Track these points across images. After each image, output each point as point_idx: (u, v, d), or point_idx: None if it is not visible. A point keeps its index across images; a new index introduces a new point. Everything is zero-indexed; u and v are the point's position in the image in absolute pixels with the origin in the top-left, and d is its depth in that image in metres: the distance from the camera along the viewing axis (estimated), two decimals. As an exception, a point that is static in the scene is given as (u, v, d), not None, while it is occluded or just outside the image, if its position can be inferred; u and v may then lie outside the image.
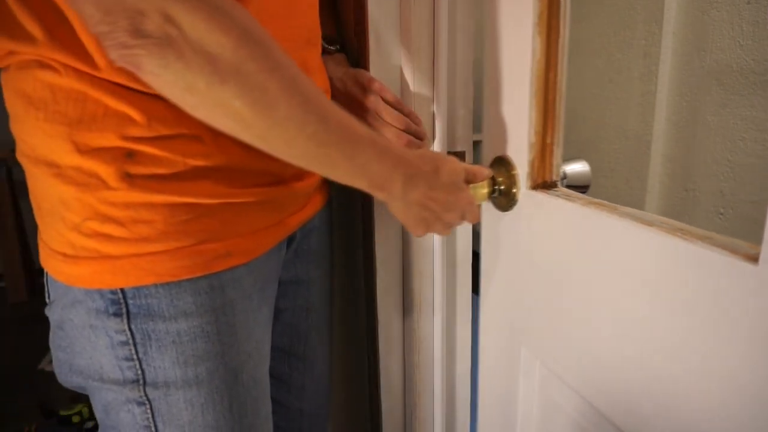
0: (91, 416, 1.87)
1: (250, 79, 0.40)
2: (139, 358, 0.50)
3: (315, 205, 0.67)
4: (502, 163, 0.63)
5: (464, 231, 0.81)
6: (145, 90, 0.45)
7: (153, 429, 0.51)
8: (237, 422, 0.55)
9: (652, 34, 1.11)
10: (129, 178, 0.46)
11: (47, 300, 0.54)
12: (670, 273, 0.42)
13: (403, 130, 0.69)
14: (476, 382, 0.80)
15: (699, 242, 0.40)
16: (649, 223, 0.45)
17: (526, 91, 0.57)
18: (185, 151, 0.48)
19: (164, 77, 0.38)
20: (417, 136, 0.70)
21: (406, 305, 0.81)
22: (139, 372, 0.50)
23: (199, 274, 0.50)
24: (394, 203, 0.55)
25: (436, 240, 0.77)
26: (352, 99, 0.69)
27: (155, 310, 0.49)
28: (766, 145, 0.95)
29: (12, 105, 0.48)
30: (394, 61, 0.73)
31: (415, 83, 0.73)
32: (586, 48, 1.28)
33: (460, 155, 0.77)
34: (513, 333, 0.66)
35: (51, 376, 2.09)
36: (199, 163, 0.49)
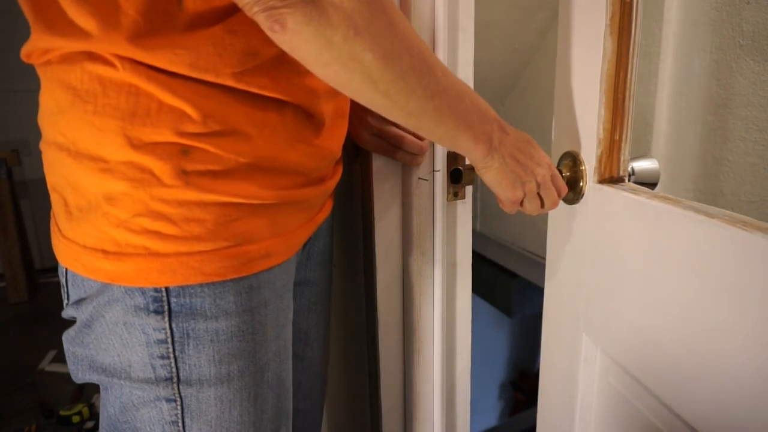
0: (91, 416, 1.87)
1: (381, 32, 0.41)
2: (175, 356, 0.50)
3: (329, 206, 0.68)
4: (570, 157, 0.64)
5: (464, 230, 0.81)
6: (197, 77, 0.45)
7: (180, 424, 0.52)
8: (259, 417, 0.55)
9: (652, 34, 1.11)
10: (185, 176, 0.46)
11: (66, 299, 0.53)
12: (732, 262, 0.43)
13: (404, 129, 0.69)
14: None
15: (759, 233, 0.41)
16: (712, 216, 0.47)
17: (596, 89, 0.58)
18: (237, 149, 0.48)
19: (305, 34, 0.39)
20: (415, 136, 0.70)
21: (406, 305, 0.81)
22: (174, 370, 0.50)
23: (243, 275, 0.51)
24: (492, 160, 0.54)
25: (436, 240, 0.77)
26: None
27: (197, 309, 0.49)
28: (766, 145, 0.95)
29: (53, 97, 0.47)
30: (394, 61, 0.73)
31: (415, 83, 0.73)
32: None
33: (462, 156, 0.77)
34: (575, 320, 0.68)
35: (51, 376, 2.09)
36: (248, 160, 0.49)
